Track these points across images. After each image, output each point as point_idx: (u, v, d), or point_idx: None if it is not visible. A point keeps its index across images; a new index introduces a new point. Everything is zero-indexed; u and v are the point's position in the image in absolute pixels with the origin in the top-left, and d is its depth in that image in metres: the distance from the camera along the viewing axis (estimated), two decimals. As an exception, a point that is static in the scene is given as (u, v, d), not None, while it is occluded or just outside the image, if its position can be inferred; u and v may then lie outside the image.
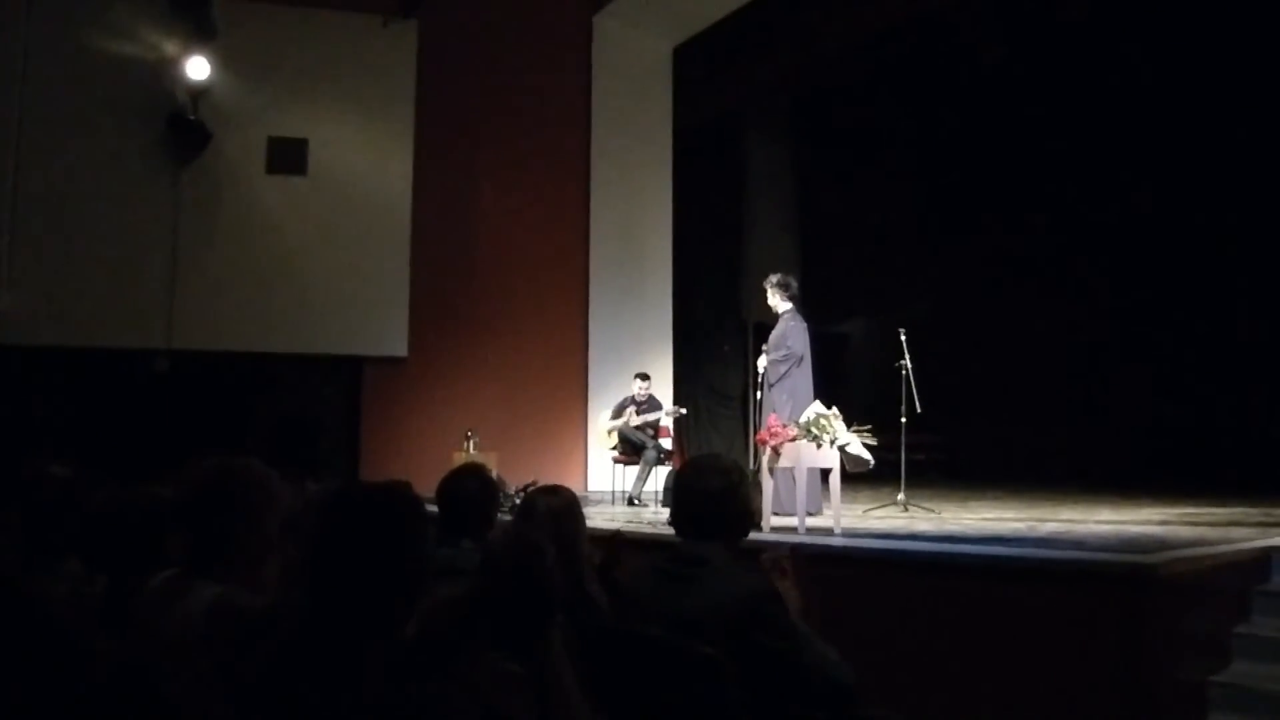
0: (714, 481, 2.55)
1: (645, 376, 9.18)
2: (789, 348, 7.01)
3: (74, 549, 2.71)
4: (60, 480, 2.83)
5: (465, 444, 9.10)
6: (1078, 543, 4.74)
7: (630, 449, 8.89)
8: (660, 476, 8.44)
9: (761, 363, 7.13)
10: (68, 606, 2.36)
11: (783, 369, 7.00)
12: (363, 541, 1.66)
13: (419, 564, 1.74)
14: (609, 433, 9.15)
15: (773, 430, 5.81)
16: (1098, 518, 6.10)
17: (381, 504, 1.73)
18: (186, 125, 9.26)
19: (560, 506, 2.89)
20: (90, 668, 1.86)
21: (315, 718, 1.55)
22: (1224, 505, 6.60)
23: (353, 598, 1.64)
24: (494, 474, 3.35)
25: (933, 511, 6.70)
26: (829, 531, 5.48)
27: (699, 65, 11.45)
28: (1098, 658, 3.69)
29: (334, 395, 10.22)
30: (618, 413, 9.17)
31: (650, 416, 8.84)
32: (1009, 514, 6.66)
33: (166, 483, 2.72)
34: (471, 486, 3.10)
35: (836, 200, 12.35)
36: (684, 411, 9.43)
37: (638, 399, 9.03)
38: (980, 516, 6.50)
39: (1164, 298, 9.70)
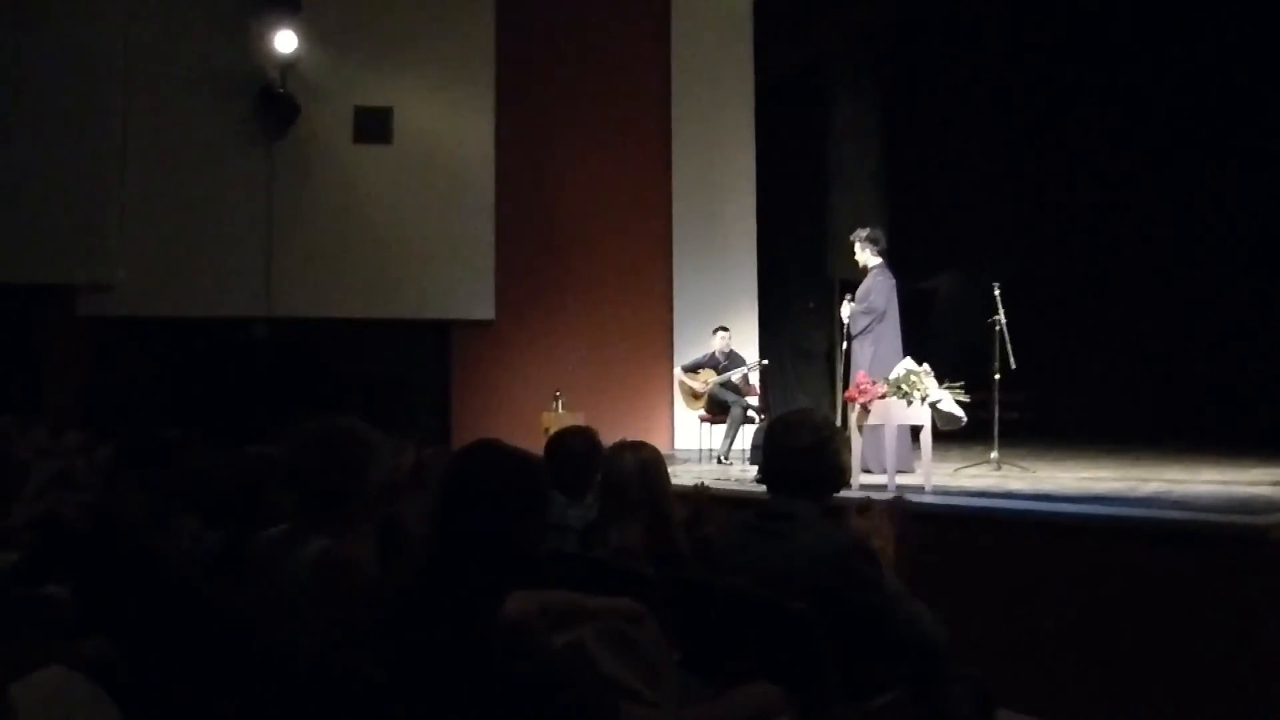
0: (805, 437, 2.53)
1: (724, 329, 9.05)
2: (871, 303, 6.91)
3: (191, 508, 2.86)
4: (176, 443, 2.98)
5: (553, 404, 9.22)
6: (1181, 503, 4.57)
7: (718, 408, 8.83)
8: (748, 435, 8.39)
9: (845, 311, 7.04)
10: (187, 560, 2.51)
11: (864, 322, 6.90)
12: (495, 500, 1.71)
13: (540, 527, 1.79)
14: (695, 396, 9.06)
15: (861, 387, 5.74)
16: (1202, 478, 5.87)
17: (512, 465, 1.78)
18: (276, 99, 9.52)
19: (648, 459, 2.91)
20: (206, 615, 1.98)
21: (433, 675, 1.61)
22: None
23: (477, 556, 1.69)
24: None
25: (1027, 470, 6.54)
26: (919, 489, 5.40)
27: (781, 16, 11.21)
28: (1203, 622, 3.58)
29: (424, 359, 10.44)
30: (692, 369, 9.11)
31: (734, 374, 8.75)
32: (1108, 473, 6.44)
33: (273, 444, 2.86)
34: (578, 446, 3.20)
35: (925, 152, 11.99)
36: (765, 363, 9.33)
37: (719, 356, 8.94)
38: (1077, 476, 6.30)
39: (1276, 245, 9.20)
